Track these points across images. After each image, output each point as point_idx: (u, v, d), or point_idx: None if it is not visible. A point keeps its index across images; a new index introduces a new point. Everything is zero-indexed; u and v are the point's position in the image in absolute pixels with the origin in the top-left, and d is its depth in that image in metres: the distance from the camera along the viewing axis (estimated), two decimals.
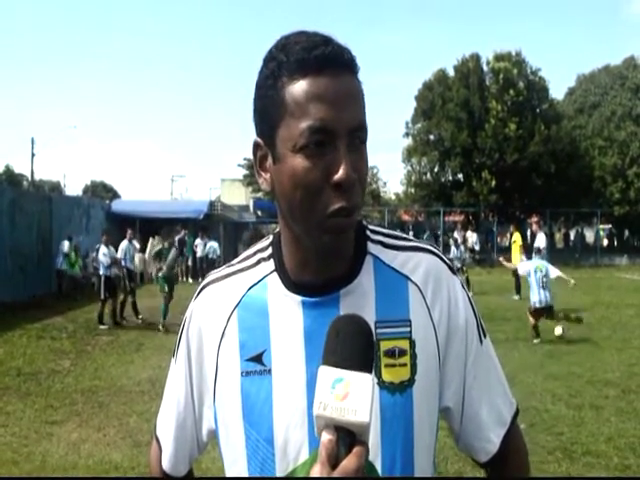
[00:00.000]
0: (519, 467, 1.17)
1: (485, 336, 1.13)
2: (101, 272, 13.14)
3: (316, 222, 0.96)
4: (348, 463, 0.76)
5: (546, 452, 5.41)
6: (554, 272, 11.00)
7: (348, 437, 0.78)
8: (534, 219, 18.65)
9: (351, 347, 0.82)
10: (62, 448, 5.67)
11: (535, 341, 10.35)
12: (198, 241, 23.60)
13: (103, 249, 13.19)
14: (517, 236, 17.51)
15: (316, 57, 0.94)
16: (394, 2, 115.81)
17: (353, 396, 0.78)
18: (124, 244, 13.99)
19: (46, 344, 10.62)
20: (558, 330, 10.41)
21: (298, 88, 0.94)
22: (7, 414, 6.68)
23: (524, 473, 1.18)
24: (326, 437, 0.78)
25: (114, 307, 12.90)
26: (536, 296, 10.64)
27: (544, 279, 10.73)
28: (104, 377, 8.24)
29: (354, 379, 0.79)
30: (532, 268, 11.03)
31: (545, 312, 10.74)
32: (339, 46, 0.97)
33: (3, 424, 6.33)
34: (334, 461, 0.77)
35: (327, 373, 0.80)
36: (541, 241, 14.56)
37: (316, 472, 0.77)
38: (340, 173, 0.92)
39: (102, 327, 12.41)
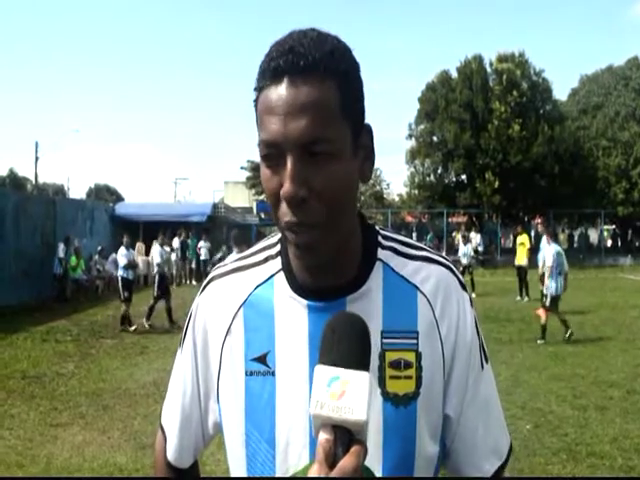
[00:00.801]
0: None
1: (487, 361, 1.11)
2: (119, 273, 12.88)
3: (282, 231, 0.97)
4: (346, 463, 0.75)
5: (551, 453, 5.41)
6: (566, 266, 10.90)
7: (346, 436, 0.77)
8: (538, 220, 18.48)
9: (347, 345, 0.81)
10: (66, 451, 5.68)
11: (539, 342, 10.30)
12: (202, 243, 23.60)
13: (122, 250, 12.95)
14: (524, 238, 17.19)
15: (274, 67, 0.92)
16: (396, 4, 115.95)
17: (350, 394, 0.77)
18: (158, 249, 13.82)
19: (50, 347, 10.62)
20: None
21: (261, 99, 0.94)
22: (12, 417, 6.69)
23: None
24: (323, 437, 0.77)
25: (127, 311, 12.45)
26: (554, 282, 10.48)
27: (561, 266, 10.65)
28: (108, 380, 8.24)
29: (350, 377, 0.78)
30: (555, 252, 10.76)
31: (556, 302, 10.54)
32: (303, 53, 0.91)
33: (8, 427, 6.34)
34: (332, 461, 0.76)
35: (323, 372, 0.80)
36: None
37: (314, 472, 0.76)
38: (284, 188, 0.91)
39: (131, 329, 12.03)
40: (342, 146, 0.94)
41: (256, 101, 0.97)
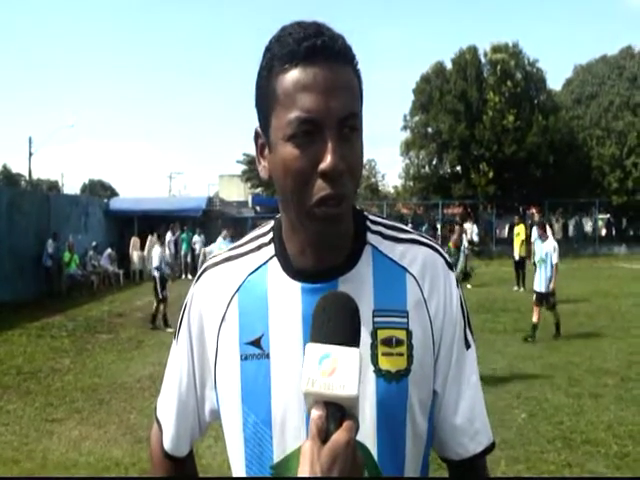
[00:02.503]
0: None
1: (474, 341, 1.14)
2: (155, 274, 12.11)
3: (305, 210, 0.97)
4: (338, 437, 0.77)
5: (546, 441, 5.44)
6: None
7: (338, 412, 0.79)
8: (533, 210, 18.36)
9: (337, 323, 0.84)
10: (63, 446, 5.67)
11: (530, 340, 9.68)
12: (196, 237, 23.55)
13: (157, 248, 12.30)
14: (521, 228, 17.15)
15: (306, 48, 0.95)
16: None
17: (340, 371, 0.79)
18: (222, 242, 13.55)
19: (46, 343, 10.61)
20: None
21: (288, 79, 0.96)
22: (7, 413, 6.69)
23: None
24: (316, 413, 0.79)
25: (165, 310, 11.73)
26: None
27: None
28: (104, 375, 8.24)
29: (341, 354, 0.80)
30: (555, 246, 10.00)
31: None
32: (331, 36, 0.97)
33: (4, 423, 6.34)
34: (324, 436, 0.78)
35: (314, 350, 0.81)
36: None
37: (307, 447, 0.78)
38: (326, 162, 0.93)
39: (168, 330, 11.09)
40: (362, 125, 1.01)
41: (270, 82, 0.99)
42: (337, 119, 0.94)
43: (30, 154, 42.70)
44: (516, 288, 16.60)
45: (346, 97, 0.96)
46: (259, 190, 41.65)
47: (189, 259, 23.12)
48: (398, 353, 1.04)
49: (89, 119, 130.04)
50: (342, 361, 0.79)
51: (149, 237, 22.70)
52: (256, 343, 1.06)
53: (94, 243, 19.85)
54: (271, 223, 1.15)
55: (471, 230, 23.98)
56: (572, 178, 32.48)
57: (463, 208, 34.48)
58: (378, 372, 1.03)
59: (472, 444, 1.12)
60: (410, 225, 32.01)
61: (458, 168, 34.44)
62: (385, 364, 1.03)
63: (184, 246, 22.92)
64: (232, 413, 1.08)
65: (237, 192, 44.97)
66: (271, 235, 1.13)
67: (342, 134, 0.95)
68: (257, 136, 1.06)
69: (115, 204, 24.66)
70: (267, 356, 1.05)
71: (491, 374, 7.49)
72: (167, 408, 1.20)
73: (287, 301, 1.06)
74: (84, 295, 17.39)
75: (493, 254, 28.53)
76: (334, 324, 0.83)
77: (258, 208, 35.91)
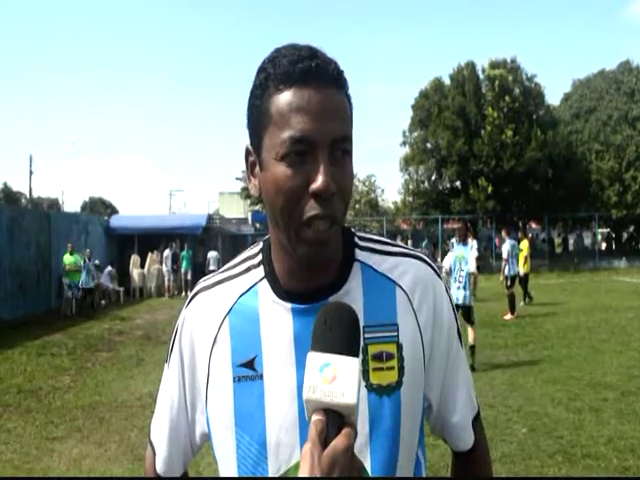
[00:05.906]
0: (485, 461, 1.26)
1: (461, 345, 1.19)
2: None
3: (294, 230, 0.99)
4: (338, 442, 0.79)
5: (546, 456, 5.42)
6: (472, 264, 9.18)
7: (337, 419, 0.81)
8: (532, 225, 18.28)
9: (338, 333, 0.86)
10: (63, 464, 5.66)
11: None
12: (211, 253, 23.35)
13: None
14: (524, 244, 17.09)
15: (301, 70, 0.97)
16: (388, 11, 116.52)
17: (340, 379, 0.81)
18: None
19: (46, 361, 10.59)
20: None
21: (282, 99, 0.98)
22: (8, 431, 6.67)
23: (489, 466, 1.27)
24: (316, 417, 0.81)
25: None
26: (453, 292, 8.76)
27: (461, 272, 9.03)
28: (104, 393, 8.23)
29: (341, 363, 0.83)
30: (452, 259, 9.23)
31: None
32: (325, 60, 0.99)
33: (4, 441, 6.32)
34: (324, 439, 0.80)
35: (315, 358, 0.84)
36: (505, 248, 15.00)
37: (307, 450, 0.79)
38: (318, 182, 0.95)
39: None
40: (352, 149, 1.03)
41: (264, 102, 1.00)
42: (330, 141, 0.96)
43: (30, 172, 42.93)
44: (522, 303, 16.45)
45: (339, 120, 0.98)
46: (258, 207, 41.74)
47: (189, 277, 23.03)
48: (388, 367, 1.06)
49: (90, 137, 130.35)
50: (342, 370, 0.82)
51: (149, 255, 22.75)
52: (249, 365, 1.07)
53: (96, 261, 19.77)
54: (260, 245, 1.17)
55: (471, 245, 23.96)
56: (571, 192, 32.55)
57: (463, 223, 34.50)
58: (370, 387, 1.05)
59: (471, 438, 1.20)
60: (410, 241, 32.09)
61: (457, 183, 34.51)
62: (376, 379, 1.05)
63: (184, 264, 22.82)
64: (225, 435, 1.09)
65: (237, 209, 45.10)
66: (260, 257, 1.14)
67: (334, 156, 0.97)
68: (248, 154, 1.07)
69: (115, 222, 24.61)
70: (261, 377, 1.06)
71: (491, 389, 7.49)
72: (160, 431, 1.21)
73: (278, 322, 1.07)
74: (82, 313, 17.35)
75: (493, 269, 28.49)
76: (335, 334, 0.86)
77: (258, 225, 35.98)
